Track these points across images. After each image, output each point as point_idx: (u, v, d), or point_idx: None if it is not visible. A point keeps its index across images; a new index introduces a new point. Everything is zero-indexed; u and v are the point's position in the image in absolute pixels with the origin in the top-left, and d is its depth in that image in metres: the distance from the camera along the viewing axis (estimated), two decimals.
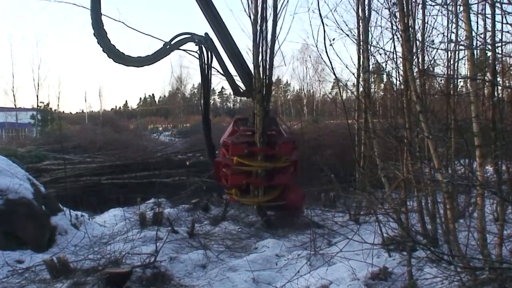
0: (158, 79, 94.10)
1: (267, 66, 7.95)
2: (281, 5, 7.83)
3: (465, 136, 4.71)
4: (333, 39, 5.58)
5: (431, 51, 5.41)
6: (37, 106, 31.65)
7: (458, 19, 5.01)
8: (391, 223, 5.46)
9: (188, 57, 9.02)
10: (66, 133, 18.56)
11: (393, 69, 5.74)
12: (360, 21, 7.41)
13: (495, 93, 4.71)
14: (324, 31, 4.72)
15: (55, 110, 34.55)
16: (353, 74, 7.78)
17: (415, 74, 4.96)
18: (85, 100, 68.41)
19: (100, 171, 11.74)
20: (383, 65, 6.37)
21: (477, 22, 5.26)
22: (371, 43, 7.02)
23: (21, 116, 32.72)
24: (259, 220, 8.07)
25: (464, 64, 5.58)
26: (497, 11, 4.16)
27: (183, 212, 8.66)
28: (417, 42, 5.36)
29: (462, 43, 4.93)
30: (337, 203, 9.34)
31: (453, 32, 5.48)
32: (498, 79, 5.18)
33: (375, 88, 12.11)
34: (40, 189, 7.24)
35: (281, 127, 9.05)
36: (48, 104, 33.80)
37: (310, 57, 33.19)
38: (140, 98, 74.53)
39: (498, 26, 4.49)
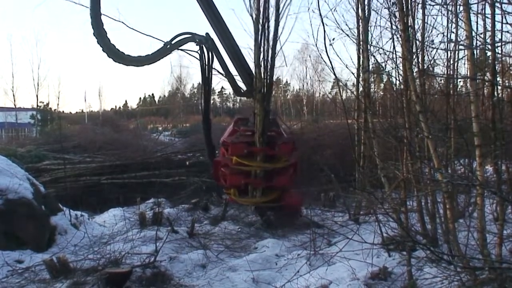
0: (158, 79, 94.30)
1: (268, 66, 7.92)
2: (284, 5, 7.84)
3: (465, 136, 4.71)
4: (333, 39, 5.59)
5: (431, 51, 5.42)
6: (37, 106, 31.69)
7: (458, 19, 5.01)
8: (391, 223, 5.46)
9: (188, 56, 9.01)
10: (65, 133, 18.52)
11: (392, 69, 5.75)
12: (360, 20, 7.41)
13: (495, 93, 4.72)
14: (324, 30, 4.71)
15: (54, 110, 34.64)
16: (353, 74, 7.81)
17: (415, 74, 4.97)
18: (85, 100, 68.11)
19: (100, 171, 11.74)
20: (383, 65, 6.36)
21: (477, 22, 5.27)
22: (371, 43, 7.03)
23: (20, 116, 32.71)
24: (259, 220, 8.07)
25: (464, 64, 5.60)
26: (497, 11, 4.17)
27: (183, 212, 8.66)
28: (417, 42, 5.36)
29: (462, 43, 4.93)
30: (337, 203, 9.33)
31: (453, 32, 5.48)
32: (498, 79, 5.18)
33: (375, 88, 12.10)
34: (39, 189, 7.24)
35: (281, 128, 9.05)
36: (47, 104, 33.88)
37: (310, 56, 33.17)
38: (140, 98, 74.58)
39: (498, 26, 4.52)
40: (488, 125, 4.35)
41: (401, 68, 5.37)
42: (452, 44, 5.40)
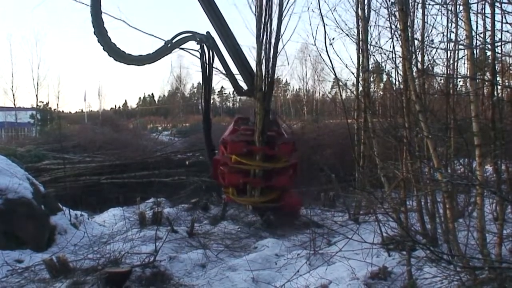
0: (158, 79, 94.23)
1: (270, 64, 7.89)
2: (287, 3, 7.82)
3: (464, 136, 4.71)
4: (333, 39, 5.58)
5: (431, 51, 5.42)
6: (37, 105, 31.64)
7: (458, 19, 5.01)
8: (391, 223, 5.46)
9: (188, 56, 9.02)
10: (65, 132, 18.52)
11: (392, 68, 5.75)
12: (360, 20, 7.41)
13: (495, 92, 4.72)
14: (325, 30, 4.73)
15: (54, 109, 34.61)
16: (353, 73, 7.80)
17: (414, 73, 4.96)
18: (85, 100, 67.94)
19: (100, 171, 11.75)
20: (383, 64, 6.37)
21: (477, 22, 5.28)
22: (371, 42, 7.03)
23: (20, 115, 32.68)
24: (259, 219, 8.07)
25: (464, 63, 5.61)
26: (497, 10, 4.17)
27: (183, 211, 8.65)
28: (417, 42, 5.37)
29: (461, 42, 4.94)
30: (337, 203, 9.33)
31: (453, 32, 5.49)
32: (498, 78, 5.18)
33: (374, 88, 12.13)
34: (39, 189, 7.23)
35: (282, 128, 9.04)
36: (47, 104, 33.83)
37: (309, 56, 33.17)
38: (140, 98, 74.59)
39: (498, 25, 4.53)
40: (488, 125, 4.35)
41: (400, 67, 5.37)
42: (452, 44, 5.40)
